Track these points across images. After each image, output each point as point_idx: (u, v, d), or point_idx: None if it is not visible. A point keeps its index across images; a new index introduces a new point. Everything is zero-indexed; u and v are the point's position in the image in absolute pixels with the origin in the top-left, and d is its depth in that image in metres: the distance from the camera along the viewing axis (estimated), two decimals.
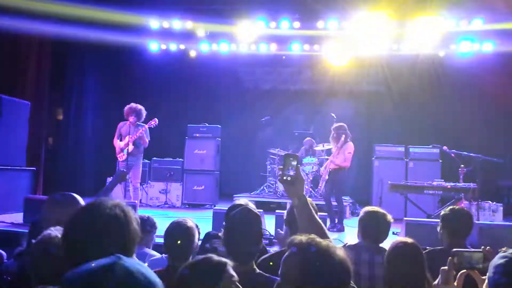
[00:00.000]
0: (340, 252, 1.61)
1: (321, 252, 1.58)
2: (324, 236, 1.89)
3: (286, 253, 1.67)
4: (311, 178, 9.52)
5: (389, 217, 3.46)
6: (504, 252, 1.63)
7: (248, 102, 11.96)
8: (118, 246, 1.46)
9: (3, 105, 7.69)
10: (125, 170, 7.50)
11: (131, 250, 1.54)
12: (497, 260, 1.62)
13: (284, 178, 2.06)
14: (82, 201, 2.95)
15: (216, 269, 1.77)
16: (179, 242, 2.98)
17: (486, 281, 1.68)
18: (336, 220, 7.33)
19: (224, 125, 10.39)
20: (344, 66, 11.43)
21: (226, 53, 11.20)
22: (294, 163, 2.08)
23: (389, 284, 2.55)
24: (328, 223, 7.07)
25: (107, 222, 1.52)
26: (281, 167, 2.09)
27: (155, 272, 1.11)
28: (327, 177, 7.52)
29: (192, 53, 11.44)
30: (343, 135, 7.43)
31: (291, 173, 2.06)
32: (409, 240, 2.69)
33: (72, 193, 2.98)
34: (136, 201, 7.20)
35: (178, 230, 3.08)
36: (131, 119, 7.47)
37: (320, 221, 2.12)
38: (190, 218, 3.62)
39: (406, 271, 2.52)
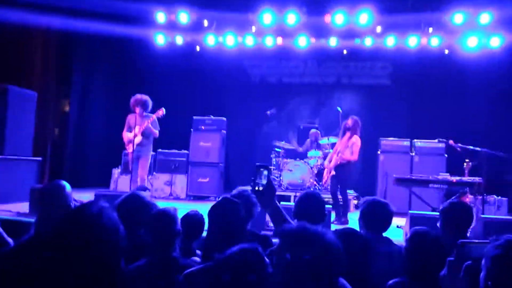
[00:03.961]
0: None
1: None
2: None
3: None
4: (315, 171, 9.52)
5: (391, 206, 3.47)
6: (497, 240, 1.63)
7: (254, 95, 11.96)
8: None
9: (10, 95, 7.73)
10: (134, 170, 7.49)
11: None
12: (492, 250, 1.62)
13: (256, 188, 2.10)
14: (69, 188, 3.01)
15: None
16: None
17: (483, 271, 1.68)
18: (341, 213, 7.34)
19: (229, 118, 10.39)
20: (350, 59, 11.42)
21: (232, 46, 11.19)
22: (266, 173, 2.11)
23: (410, 273, 2.49)
24: (333, 216, 7.08)
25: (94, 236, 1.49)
26: (253, 178, 2.11)
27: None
28: (333, 172, 7.51)
29: (199, 46, 11.45)
30: (356, 128, 7.43)
31: (263, 182, 2.09)
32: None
33: (59, 181, 3.03)
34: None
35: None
36: (137, 110, 7.48)
37: (293, 224, 2.17)
38: (196, 210, 3.69)
39: (428, 259, 2.45)
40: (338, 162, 7.42)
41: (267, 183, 2.10)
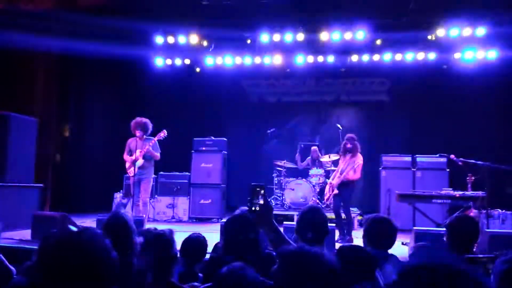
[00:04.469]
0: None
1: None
2: None
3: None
4: (318, 190, 9.50)
5: (394, 222, 3.45)
6: (504, 255, 1.62)
7: (253, 115, 12.01)
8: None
9: (12, 122, 7.76)
10: (135, 194, 7.49)
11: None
12: (499, 265, 1.61)
13: (253, 208, 2.09)
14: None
15: None
16: None
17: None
18: (345, 231, 7.30)
19: (229, 138, 10.41)
20: (348, 76, 11.49)
21: (231, 66, 11.28)
22: (262, 192, 2.11)
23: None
24: (337, 235, 7.04)
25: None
26: (249, 198, 2.11)
27: None
28: (336, 191, 7.49)
29: (197, 67, 11.54)
30: (356, 148, 7.45)
31: (260, 202, 2.09)
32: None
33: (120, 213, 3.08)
34: (144, 215, 7.19)
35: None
36: (138, 133, 7.49)
37: (292, 243, 2.15)
38: (198, 232, 3.67)
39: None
40: (341, 181, 7.41)
41: (264, 203, 2.10)
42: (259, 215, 2.11)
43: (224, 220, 7.64)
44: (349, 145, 7.46)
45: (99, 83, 11.47)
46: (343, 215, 7.41)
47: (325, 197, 8.01)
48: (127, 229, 3.01)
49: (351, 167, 7.28)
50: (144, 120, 7.54)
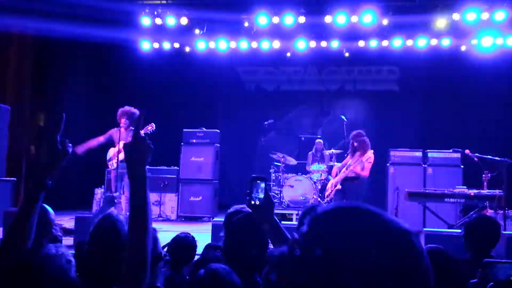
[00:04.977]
0: None
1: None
2: None
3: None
4: (319, 187, 9.47)
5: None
6: None
7: (250, 105, 11.96)
8: None
9: None
10: (112, 194, 7.45)
11: None
12: None
13: (252, 202, 2.07)
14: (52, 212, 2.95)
15: None
16: None
17: None
18: None
19: (223, 130, 10.37)
20: (354, 63, 11.45)
21: (225, 51, 11.20)
22: (262, 185, 2.09)
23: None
24: None
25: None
26: (248, 191, 2.10)
27: None
28: (339, 186, 7.46)
29: (188, 52, 11.46)
30: (366, 144, 7.40)
31: (260, 196, 2.08)
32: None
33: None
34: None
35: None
36: (123, 122, 7.45)
37: None
38: (187, 232, 3.63)
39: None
40: (347, 175, 7.38)
41: (265, 197, 2.08)
42: (258, 211, 2.09)
43: (218, 219, 7.61)
44: (355, 144, 7.43)
45: (79, 69, 11.38)
46: None
47: (326, 193, 7.98)
48: (118, 234, 2.93)
49: (359, 161, 7.26)
50: (133, 110, 7.51)
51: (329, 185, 7.86)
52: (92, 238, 2.83)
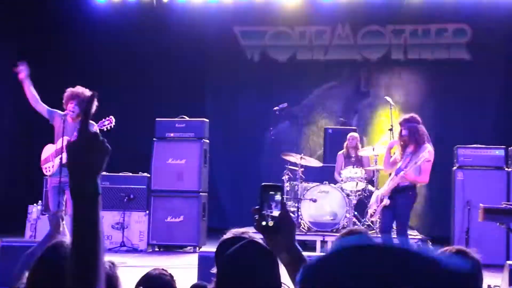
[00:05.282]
0: None
1: None
2: None
3: None
4: (354, 201, 9.49)
5: (476, 256, 3.46)
6: None
7: (252, 82, 11.97)
8: None
9: None
10: (56, 209, 7.48)
11: None
12: None
13: (263, 223, 2.05)
14: None
15: None
16: None
17: None
18: None
19: (214, 119, 10.38)
20: (404, 21, 11.43)
21: (216, 2, 11.23)
22: (278, 197, 2.07)
23: None
24: None
25: None
26: (257, 207, 2.07)
27: None
28: (387, 200, 7.46)
29: (164, 3, 11.48)
30: (420, 134, 7.39)
31: (274, 213, 2.06)
32: None
33: None
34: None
35: None
36: (70, 107, 7.45)
37: None
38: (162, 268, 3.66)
39: None
40: (397, 185, 7.39)
41: (282, 213, 2.07)
42: (272, 235, 2.08)
43: (207, 249, 7.61)
44: (404, 132, 7.43)
45: (4, 26, 11.39)
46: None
47: (369, 211, 7.99)
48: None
49: (414, 163, 7.26)
50: (88, 93, 7.48)
51: (373, 198, 7.87)
52: (35, 275, 2.86)
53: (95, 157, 1.62)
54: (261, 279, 2.40)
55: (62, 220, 7.61)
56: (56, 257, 2.93)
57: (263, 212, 2.03)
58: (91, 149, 1.61)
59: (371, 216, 7.97)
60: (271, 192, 2.06)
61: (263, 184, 2.08)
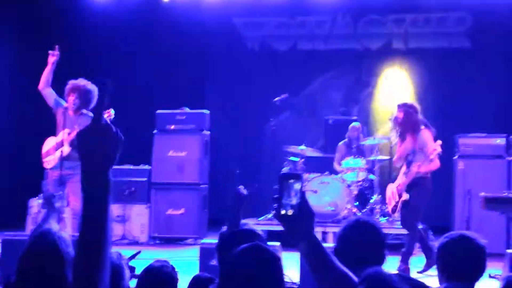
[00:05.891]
0: None
1: None
2: None
3: None
4: (355, 192, 9.49)
5: (481, 241, 3.47)
6: None
7: (253, 73, 11.96)
8: None
9: None
10: (52, 190, 7.48)
11: None
12: None
13: (282, 212, 2.06)
14: None
15: None
16: None
17: None
18: (403, 257, 7.37)
19: (214, 111, 10.40)
20: (406, 10, 11.41)
21: None
22: (298, 186, 2.07)
23: None
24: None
25: None
26: (277, 195, 2.08)
27: None
28: (406, 195, 7.52)
29: None
30: (412, 117, 7.43)
31: (294, 202, 2.06)
32: None
33: None
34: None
35: None
36: (71, 100, 7.45)
37: (343, 269, 2.12)
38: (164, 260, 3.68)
39: None
40: (412, 177, 7.46)
41: (301, 203, 2.07)
42: (291, 223, 2.09)
43: (208, 240, 7.65)
44: (399, 114, 7.48)
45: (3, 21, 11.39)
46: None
47: (389, 207, 8.02)
48: (60, 261, 2.96)
49: (427, 157, 7.32)
50: (90, 86, 7.47)
51: (388, 192, 7.89)
52: (23, 265, 2.87)
53: (108, 148, 1.63)
54: (265, 286, 2.41)
55: (54, 197, 7.63)
56: (44, 245, 2.94)
57: (282, 200, 2.05)
58: (104, 140, 1.62)
59: (393, 212, 8.02)
60: (290, 181, 2.08)
61: (282, 172, 2.11)
